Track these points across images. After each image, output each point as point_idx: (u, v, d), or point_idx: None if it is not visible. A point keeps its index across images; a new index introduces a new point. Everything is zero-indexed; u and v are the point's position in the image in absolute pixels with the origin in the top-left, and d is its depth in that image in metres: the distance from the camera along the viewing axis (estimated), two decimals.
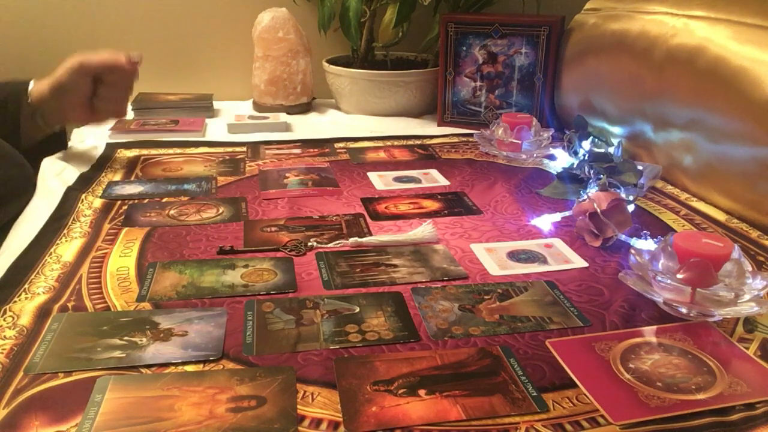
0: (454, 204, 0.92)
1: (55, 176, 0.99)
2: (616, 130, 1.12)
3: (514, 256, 0.77)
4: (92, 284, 0.68)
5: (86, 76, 0.99)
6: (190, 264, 0.73)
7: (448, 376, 0.54)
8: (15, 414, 0.49)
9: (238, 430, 0.48)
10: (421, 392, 0.52)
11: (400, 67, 1.41)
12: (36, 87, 1.01)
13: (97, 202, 0.89)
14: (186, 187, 0.96)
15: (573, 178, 0.97)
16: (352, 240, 0.79)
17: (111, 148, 1.14)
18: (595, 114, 1.15)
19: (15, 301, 0.64)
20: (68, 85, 0.99)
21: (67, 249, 0.76)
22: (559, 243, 0.80)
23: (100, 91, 1.02)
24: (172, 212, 0.87)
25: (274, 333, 0.60)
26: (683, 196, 0.96)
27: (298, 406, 0.50)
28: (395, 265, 0.74)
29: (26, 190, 0.92)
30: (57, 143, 1.10)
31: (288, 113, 1.37)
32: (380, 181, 1.01)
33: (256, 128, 1.28)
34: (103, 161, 1.07)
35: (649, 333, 0.61)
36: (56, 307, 0.63)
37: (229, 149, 1.16)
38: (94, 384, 0.52)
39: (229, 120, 1.30)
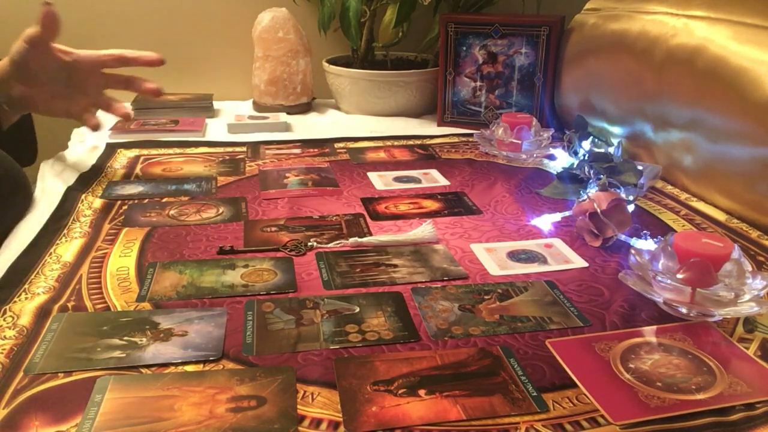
0: (454, 204, 0.92)
1: (55, 176, 0.99)
2: (616, 130, 1.12)
3: (514, 256, 0.77)
4: (92, 284, 0.68)
5: (41, 45, 0.89)
6: (190, 264, 0.73)
7: (448, 376, 0.54)
8: (15, 414, 0.49)
9: (238, 430, 0.48)
10: (421, 392, 0.52)
11: (400, 67, 1.41)
12: None
13: (97, 202, 0.89)
14: (186, 187, 0.96)
15: (573, 178, 0.97)
16: (352, 240, 0.79)
17: (111, 148, 1.14)
18: (595, 114, 1.15)
19: (15, 301, 0.64)
20: (25, 56, 0.88)
21: (67, 249, 0.75)
22: (559, 243, 0.80)
23: (74, 78, 0.93)
24: (172, 212, 0.87)
25: (274, 333, 0.60)
26: (683, 196, 0.96)
27: (298, 406, 0.50)
28: (395, 265, 0.74)
29: (23, 200, 0.89)
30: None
31: (288, 113, 1.37)
32: (380, 181, 1.01)
33: (256, 128, 1.28)
34: (103, 161, 1.07)
35: (649, 333, 0.61)
36: (56, 307, 0.63)
37: (229, 149, 1.16)
38: (94, 384, 0.52)
39: (229, 120, 1.30)
